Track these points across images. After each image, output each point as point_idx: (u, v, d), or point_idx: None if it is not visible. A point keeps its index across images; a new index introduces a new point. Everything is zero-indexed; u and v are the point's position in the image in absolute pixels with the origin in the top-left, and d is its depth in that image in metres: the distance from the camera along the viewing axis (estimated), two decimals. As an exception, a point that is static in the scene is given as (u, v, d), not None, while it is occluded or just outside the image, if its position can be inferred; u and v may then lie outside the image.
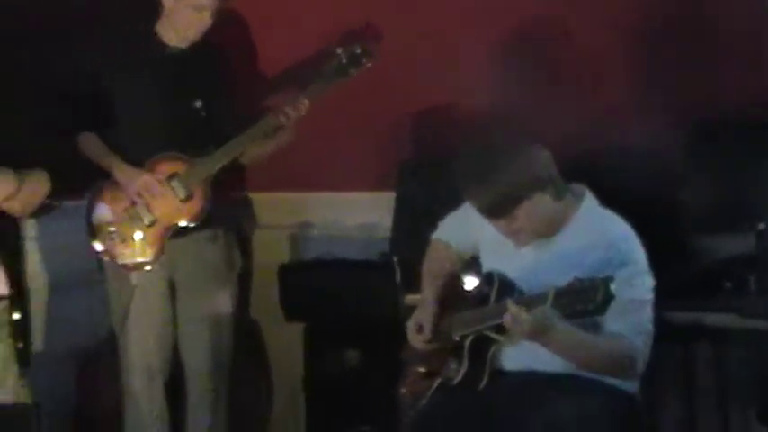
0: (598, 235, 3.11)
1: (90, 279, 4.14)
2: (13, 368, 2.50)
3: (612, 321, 3.00)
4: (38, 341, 4.29)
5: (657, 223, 3.40)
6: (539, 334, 2.96)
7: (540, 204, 3.09)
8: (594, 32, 4.22)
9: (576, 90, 4.26)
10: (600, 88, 4.24)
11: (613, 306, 2.87)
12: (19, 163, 2.49)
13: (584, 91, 4.25)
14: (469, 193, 3.15)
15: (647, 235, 3.14)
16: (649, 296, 3.09)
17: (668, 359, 3.69)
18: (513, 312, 2.95)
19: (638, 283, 3.06)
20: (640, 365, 3.07)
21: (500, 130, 3.25)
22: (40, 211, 2.59)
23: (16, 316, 2.53)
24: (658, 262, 3.15)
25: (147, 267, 3.99)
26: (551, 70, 4.27)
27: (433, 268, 3.45)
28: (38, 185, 2.54)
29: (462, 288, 3.35)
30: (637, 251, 3.11)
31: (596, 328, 3.03)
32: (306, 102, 3.98)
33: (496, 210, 3.11)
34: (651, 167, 3.90)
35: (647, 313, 3.07)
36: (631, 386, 3.18)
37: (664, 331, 3.20)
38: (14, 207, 2.51)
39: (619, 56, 4.21)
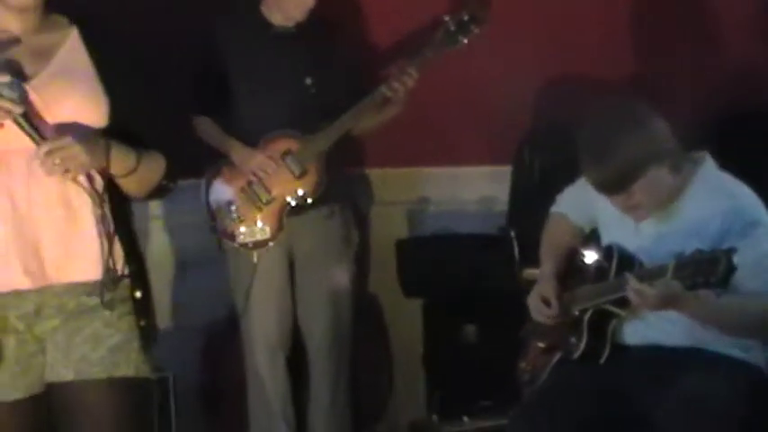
0: (719, 200, 3.04)
1: (214, 257, 4.19)
2: (135, 344, 2.55)
3: (748, 280, 2.91)
4: (166, 318, 4.42)
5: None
6: (667, 305, 2.90)
7: (658, 178, 3.02)
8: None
9: (704, 53, 4.15)
10: (728, 50, 4.11)
11: (747, 264, 2.79)
12: (136, 143, 2.53)
13: (712, 54, 4.13)
14: (586, 170, 3.11)
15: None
16: None
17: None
18: (635, 288, 2.90)
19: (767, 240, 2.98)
20: None
21: (619, 103, 3.15)
22: (157, 193, 2.62)
23: (138, 294, 2.57)
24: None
25: (270, 244, 4.03)
26: (676, 35, 4.17)
27: (552, 242, 3.43)
28: (155, 166, 2.57)
29: (581, 262, 3.30)
30: (761, 210, 3.03)
31: (731, 288, 2.94)
32: (413, 72, 3.94)
33: (612, 187, 3.06)
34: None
35: None
36: (758, 358, 3.10)
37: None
38: (131, 185, 2.55)
39: (748, 12, 4.07)
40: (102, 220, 2.48)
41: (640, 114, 3.05)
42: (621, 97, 3.17)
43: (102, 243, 2.48)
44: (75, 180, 2.44)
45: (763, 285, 2.95)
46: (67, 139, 2.39)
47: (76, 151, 2.39)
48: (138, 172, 2.52)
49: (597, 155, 3.04)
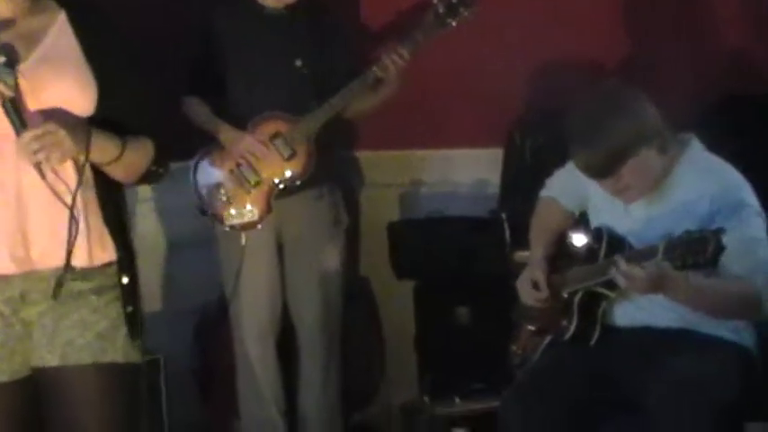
0: (706, 180, 3.06)
1: (205, 239, 4.19)
2: (122, 330, 2.54)
3: (732, 263, 2.92)
4: (156, 301, 4.41)
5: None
6: (656, 288, 2.91)
7: (646, 160, 3.03)
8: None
9: (692, 38, 4.14)
10: (716, 35, 4.10)
11: (732, 247, 2.80)
12: (124, 127, 2.51)
13: (700, 38, 4.12)
14: (574, 154, 3.11)
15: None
16: (764, 235, 3.01)
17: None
18: (624, 270, 2.90)
19: (753, 223, 3.00)
20: (767, 306, 2.98)
21: (607, 87, 3.14)
22: (147, 178, 2.61)
23: (125, 280, 2.56)
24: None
25: (259, 226, 4.02)
26: (665, 20, 4.15)
27: (541, 225, 3.44)
28: (142, 152, 2.56)
29: (571, 245, 3.31)
30: (747, 193, 3.04)
31: (715, 271, 2.95)
32: (405, 53, 3.92)
33: (601, 171, 3.06)
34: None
35: (765, 254, 2.99)
36: (747, 339, 3.12)
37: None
38: (117, 172, 2.53)
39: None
40: (75, 208, 2.44)
41: (628, 98, 3.05)
42: (610, 81, 3.16)
43: (70, 231, 2.44)
44: (50, 170, 2.41)
45: (748, 268, 2.96)
46: (52, 125, 2.37)
47: (61, 137, 2.37)
48: (122, 159, 2.51)
49: (585, 139, 3.04)
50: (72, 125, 2.41)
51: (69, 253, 2.44)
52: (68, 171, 2.46)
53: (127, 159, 2.51)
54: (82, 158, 2.43)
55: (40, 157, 2.37)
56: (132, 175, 2.58)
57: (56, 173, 2.43)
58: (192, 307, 4.43)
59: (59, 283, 2.46)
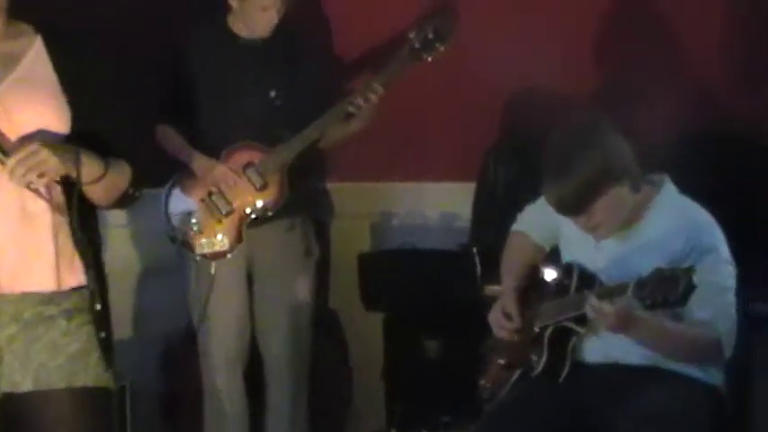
0: (679, 223, 3.06)
1: (175, 266, 4.18)
2: (94, 353, 2.53)
3: (697, 308, 2.94)
4: (124, 327, 4.39)
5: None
6: (622, 326, 2.92)
7: (618, 198, 3.03)
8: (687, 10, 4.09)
9: (668, 74, 4.16)
10: (693, 73, 4.13)
11: (697, 292, 2.81)
12: (100, 151, 2.52)
13: (677, 75, 4.14)
14: (546, 191, 3.11)
15: (735, 224, 3.09)
16: (732, 283, 3.03)
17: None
18: (594, 305, 2.91)
19: (721, 270, 3.02)
20: (727, 352, 3.02)
21: (580, 121, 3.14)
22: (121, 202, 2.60)
23: (98, 306, 2.54)
24: (749, 251, 3.10)
25: (228, 256, 4.01)
26: (639, 55, 4.18)
27: (512, 259, 3.43)
28: (121, 174, 2.56)
29: (542, 280, 3.31)
30: (718, 239, 3.06)
31: (679, 314, 2.98)
32: (378, 87, 3.94)
33: (572, 208, 3.07)
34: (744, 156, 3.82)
35: (731, 299, 3.02)
36: (716, 378, 3.12)
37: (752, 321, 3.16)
38: (97, 193, 2.52)
39: (713, 36, 4.07)
40: (58, 230, 2.45)
41: (600, 132, 3.05)
42: (585, 112, 3.16)
43: (56, 254, 2.45)
44: (36, 191, 2.41)
45: (710, 313, 2.98)
46: (34, 146, 2.36)
47: (45, 156, 2.36)
48: (105, 179, 2.50)
49: (556, 176, 3.04)
50: (54, 144, 2.40)
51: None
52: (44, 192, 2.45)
53: (109, 180, 2.51)
54: (74, 174, 2.42)
55: (30, 178, 2.36)
56: (110, 197, 2.57)
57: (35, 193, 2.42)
58: (159, 333, 4.43)
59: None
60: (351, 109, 3.95)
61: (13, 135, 2.43)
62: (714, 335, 2.98)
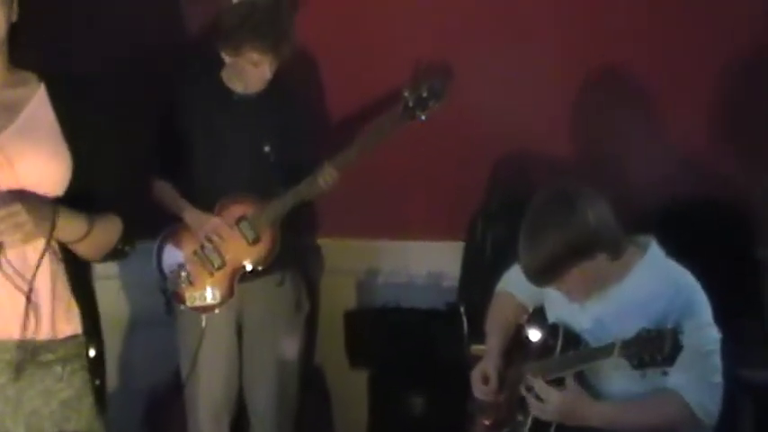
0: (661, 285, 3.05)
1: (162, 319, 4.16)
2: (87, 400, 2.54)
3: (676, 373, 2.95)
4: (111, 378, 4.37)
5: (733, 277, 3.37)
6: (567, 413, 2.99)
7: (588, 271, 3.02)
8: (677, 77, 4.13)
9: (659, 138, 4.20)
10: (681, 133, 4.16)
11: (678, 358, 2.83)
12: (93, 201, 2.52)
13: (667, 139, 4.17)
14: (519, 258, 3.12)
15: (719, 287, 3.09)
16: (714, 347, 3.02)
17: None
18: (539, 389, 2.98)
19: (702, 335, 3.00)
20: (705, 418, 2.99)
21: (555, 195, 3.05)
22: (111, 256, 2.61)
23: (92, 353, 2.56)
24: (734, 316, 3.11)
25: (216, 310, 4.02)
26: (630, 119, 4.21)
27: (497, 319, 3.45)
28: (111, 230, 2.57)
29: (527, 339, 3.32)
30: (700, 302, 3.04)
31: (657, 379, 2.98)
32: (333, 172, 3.92)
33: (538, 280, 3.10)
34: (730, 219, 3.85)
35: (713, 364, 3.01)
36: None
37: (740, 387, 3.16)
38: (82, 249, 2.53)
39: (703, 100, 4.12)
40: (56, 278, 2.46)
41: (573, 208, 2.99)
42: (561, 187, 3.11)
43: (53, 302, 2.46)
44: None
45: (689, 379, 2.96)
46: (16, 207, 2.38)
47: (22, 221, 2.38)
48: (89, 238, 2.51)
49: (526, 249, 3.05)
50: (37, 207, 2.42)
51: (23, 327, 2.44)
52: (34, 245, 2.46)
53: (93, 238, 2.52)
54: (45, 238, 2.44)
55: (6, 238, 2.39)
56: (98, 254, 2.58)
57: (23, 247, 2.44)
58: (144, 385, 4.41)
59: (20, 367, 2.46)
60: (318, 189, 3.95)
61: (13, 183, 2.45)
62: (682, 403, 2.97)
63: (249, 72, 3.99)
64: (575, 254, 2.98)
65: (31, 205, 2.41)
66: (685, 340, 2.84)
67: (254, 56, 3.93)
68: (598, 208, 3.01)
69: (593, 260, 3.00)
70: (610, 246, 3.02)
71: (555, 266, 3.01)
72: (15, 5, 2.52)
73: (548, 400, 2.99)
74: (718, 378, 3.01)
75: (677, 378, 2.96)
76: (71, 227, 2.48)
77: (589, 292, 3.09)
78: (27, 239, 2.43)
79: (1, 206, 2.38)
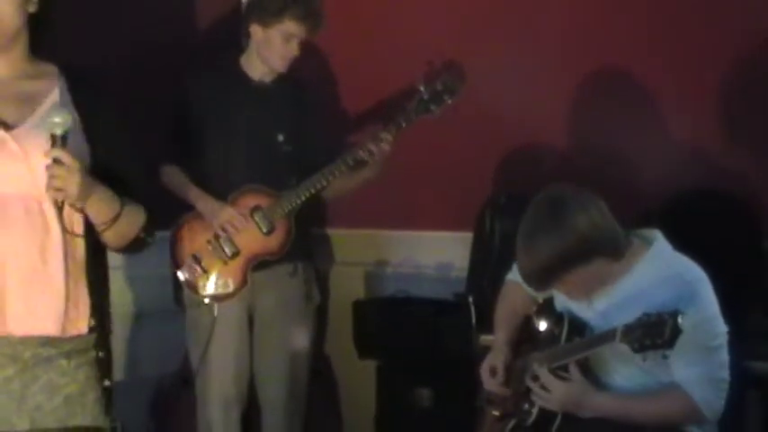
0: (669, 277, 3.04)
1: (168, 309, 4.19)
2: (91, 395, 2.54)
3: (683, 365, 2.97)
4: (117, 369, 4.38)
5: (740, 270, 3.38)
6: (571, 405, 3.00)
7: (591, 271, 3.01)
8: (685, 69, 4.12)
9: (662, 131, 4.19)
10: (688, 126, 4.14)
11: (683, 350, 2.85)
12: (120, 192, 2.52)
13: (672, 130, 4.16)
14: (516, 261, 3.13)
15: (726, 279, 3.10)
16: (720, 341, 3.01)
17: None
18: (544, 379, 2.99)
19: (709, 328, 3.00)
20: (710, 414, 3.01)
21: (553, 199, 3.02)
22: (133, 245, 2.59)
23: (101, 354, 2.55)
24: (740, 307, 3.12)
25: (229, 299, 4.03)
26: (637, 111, 4.22)
27: (505, 309, 3.46)
28: (136, 217, 2.56)
29: (535, 330, 3.32)
30: (707, 295, 3.03)
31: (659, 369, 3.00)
32: (389, 137, 3.96)
33: (534, 284, 3.13)
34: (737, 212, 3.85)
35: (720, 360, 3.01)
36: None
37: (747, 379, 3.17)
38: (110, 236, 2.53)
39: (710, 92, 4.12)
40: (71, 273, 2.46)
41: (568, 213, 2.97)
42: (560, 189, 3.10)
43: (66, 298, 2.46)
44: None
45: (692, 373, 2.97)
46: (76, 164, 2.39)
47: (76, 179, 2.38)
48: (118, 222, 2.51)
49: (523, 253, 3.05)
50: (89, 177, 2.43)
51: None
52: (57, 237, 2.47)
53: (121, 223, 2.52)
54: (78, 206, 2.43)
55: (52, 182, 2.37)
56: (123, 241, 2.57)
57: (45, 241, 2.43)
58: (150, 377, 4.42)
59: (24, 362, 2.46)
60: (362, 156, 3.96)
61: (30, 175, 2.44)
62: (687, 399, 2.98)
63: (277, 48, 3.99)
64: (567, 262, 2.97)
65: (86, 172, 2.41)
66: (692, 334, 2.85)
67: (292, 26, 3.94)
68: (592, 213, 2.99)
69: (590, 264, 2.99)
70: (607, 249, 3.01)
71: (549, 274, 3.02)
72: None
73: (552, 390, 3.00)
74: (724, 374, 3.01)
75: (684, 373, 2.97)
76: (105, 203, 2.47)
77: (589, 292, 3.09)
78: (68, 197, 2.40)
79: (68, 157, 2.38)
